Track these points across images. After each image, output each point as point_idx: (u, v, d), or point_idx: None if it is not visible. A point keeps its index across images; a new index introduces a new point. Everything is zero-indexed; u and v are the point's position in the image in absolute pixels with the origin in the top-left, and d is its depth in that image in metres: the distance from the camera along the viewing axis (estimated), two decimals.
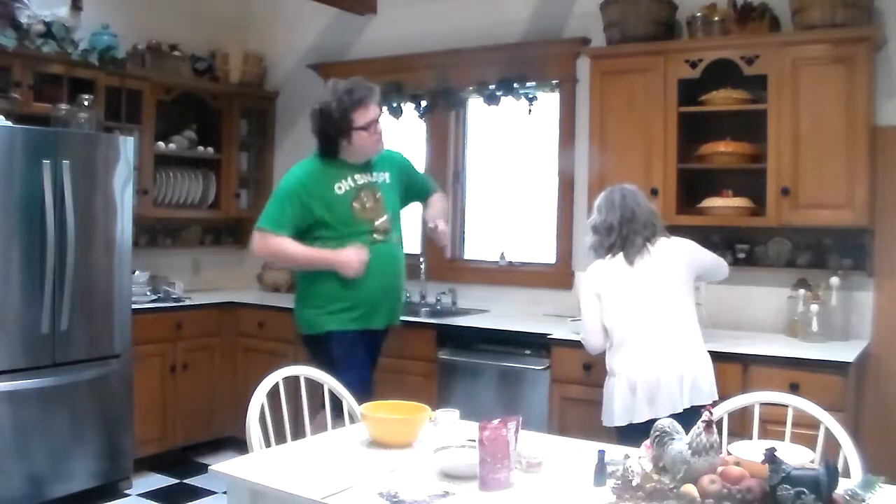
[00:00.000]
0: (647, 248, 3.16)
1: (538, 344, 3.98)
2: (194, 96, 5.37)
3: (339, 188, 3.46)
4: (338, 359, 3.40)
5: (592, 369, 3.75)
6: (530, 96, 4.78)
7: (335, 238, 3.43)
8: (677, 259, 3.19)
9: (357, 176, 3.50)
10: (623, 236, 3.17)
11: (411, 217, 4.15)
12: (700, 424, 1.89)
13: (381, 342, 3.70)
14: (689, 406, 2.94)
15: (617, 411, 3.06)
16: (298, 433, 2.63)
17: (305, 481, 2.06)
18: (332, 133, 3.43)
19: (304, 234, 3.46)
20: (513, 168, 5.08)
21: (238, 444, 4.44)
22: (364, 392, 3.18)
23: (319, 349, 3.51)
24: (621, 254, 3.17)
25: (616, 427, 3.09)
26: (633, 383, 3.06)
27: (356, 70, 5.39)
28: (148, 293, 4.84)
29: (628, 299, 3.13)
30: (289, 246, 3.43)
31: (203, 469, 4.60)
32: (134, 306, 4.48)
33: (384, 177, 3.59)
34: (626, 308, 3.12)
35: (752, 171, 3.89)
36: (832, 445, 2.33)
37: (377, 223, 3.50)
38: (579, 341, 3.35)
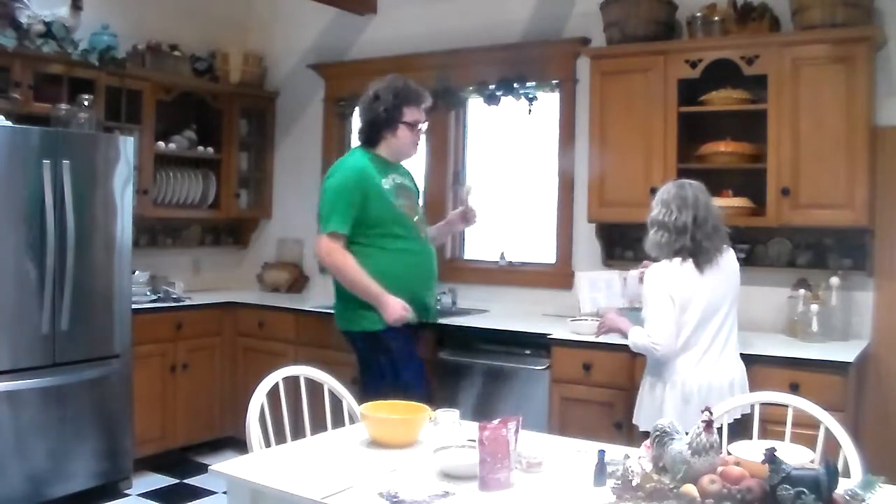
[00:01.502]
0: (717, 258, 3.07)
1: (538, 344, 3.98)
2: (194, 96, 5.37)
3: (385, 183, 3.50)
4: (398, 356, 3.48)
5: (592, 369, 3.76)
6: (530, 96, 4.78)
7: (385, 236, 3.47)
8: (734, 272, 3.17)
9: (394, 175, 3.57)
10: (697, 241, 3.03)
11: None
12: (700, 424, 1.89)
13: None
14: (739, 416, 2.92)
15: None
16: (298, 433, 2.63)
17: (305, 481, 2.06)
18: (381, 121, 3.50)
19: (357, 232, 3.47)
20: (513, 168, 5.08)
21: (238, 444, 4.44)
22: (424, 386, 3.49)
23: (377, 346, 3.49)
24: (691, 260, 3.03)
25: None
26: (687, 393, 3.00)
27: (356, 70, 5.44)
28: (148, 293, 4.84)
29: (696, 308, 3.02)
30: (354, 265, 3.42)
31: (203, 469, 4.60)
32: (134, 306, 4.48)
33: (409, 184, 3.70)
34: (692, 316, 3.03)
35: (752, 171, 3.90)
36: (832, 445, 2.33)
37: (416, 220, 3.60)
38: (628, 345, 3.17)
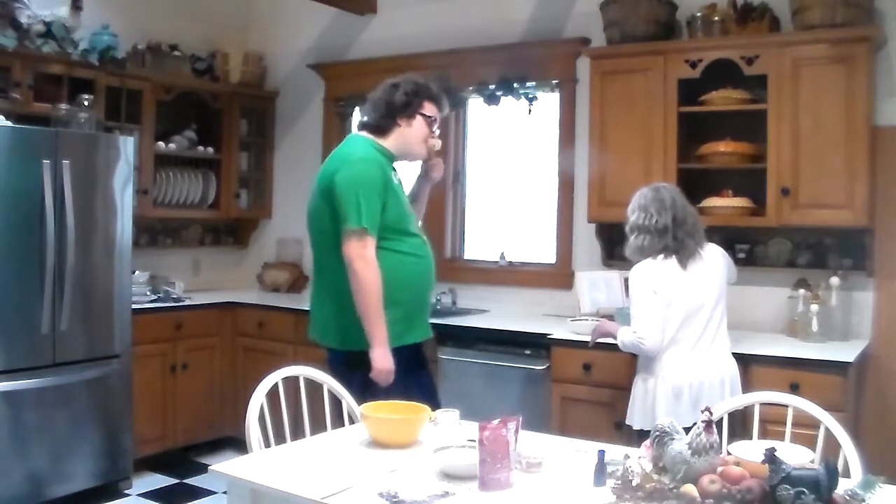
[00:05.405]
0: (699, 252, 3.14)
1: (538, 344, 3.98)
2: (194, 96, 5.37)
3: (394, 177, 3.12)
4: (405, 371, 3.04)
5: (592, 369, 3.76)
6: (530, 96, 4.78)
7: (398, 238, 3.06)
8: (720, 266, 3.20)
9: (394, 172, 3.16)
10: (678, 240, 3.10)
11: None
12: (700, 424, 1.89)
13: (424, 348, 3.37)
14: (731, 410, 2.93)
15: (660, 415, 2.97)
16: (298, 433, 2.63)
17: (305, 481, 2.05)
18: (398, 106, 3.09)
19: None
20: (513, 168, 5.08)
21: (238, 444, 4.44)
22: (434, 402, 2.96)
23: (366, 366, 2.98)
24: (674, 257, 3.10)
25: (644, 430, 3.05)
26: (678, 388, 3.04)
27: (356, 70, 5.44)
28: (148, 293, 4.84)
29: (681, 302, 3.07)
30: (379, 287, 2.93)
31: (203, 469, 4.60)
32: (134, 306, 4.48)
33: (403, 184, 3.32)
34: (678, 311, 3.07)
35: (752, 171, 3.90)
36: (832, 445, 2.33)
37: (417, 219, 3.27)
38: (616, 344, 3.21)
